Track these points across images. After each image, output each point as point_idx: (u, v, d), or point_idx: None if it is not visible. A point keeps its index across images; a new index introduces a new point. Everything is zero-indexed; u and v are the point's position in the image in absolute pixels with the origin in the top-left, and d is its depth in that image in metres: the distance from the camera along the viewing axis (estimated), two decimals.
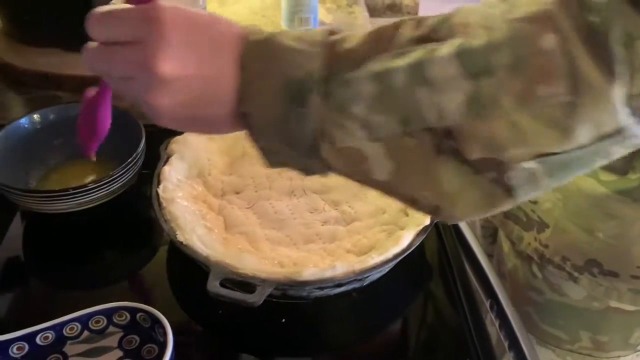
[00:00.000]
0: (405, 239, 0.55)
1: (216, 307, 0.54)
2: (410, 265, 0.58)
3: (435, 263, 0.64)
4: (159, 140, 0.66)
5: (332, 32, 0.40)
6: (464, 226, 0.67)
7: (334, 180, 0.67)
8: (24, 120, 0.68)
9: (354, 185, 0.68)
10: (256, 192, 0.65)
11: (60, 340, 0.51)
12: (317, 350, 0.57)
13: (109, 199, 0.63)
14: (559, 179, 0.37)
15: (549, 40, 0.33)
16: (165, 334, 0.48)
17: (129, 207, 0.68)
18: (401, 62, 0.36)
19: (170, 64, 0.37)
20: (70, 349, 0.51)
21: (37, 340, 0.50)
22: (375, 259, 0.53)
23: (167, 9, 0.38)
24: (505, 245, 0.76)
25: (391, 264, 0.54)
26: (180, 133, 0.67)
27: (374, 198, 0.64)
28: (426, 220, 0.57)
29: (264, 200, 0.64)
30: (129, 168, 0.63)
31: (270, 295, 0.51)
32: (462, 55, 0.35)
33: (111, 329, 0.52)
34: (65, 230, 0.66)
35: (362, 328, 0.58)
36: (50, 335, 0.50)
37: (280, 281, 0.51)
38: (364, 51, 0.38)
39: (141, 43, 0.38)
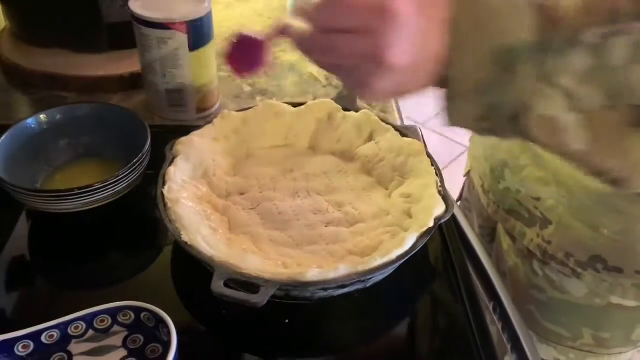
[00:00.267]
0: (408, 241, 0.55)
1: (220, 307, 0.54)
2: (413, 267, 0.58)
3: (439, 265, 0.65)
4: (164, 141, 0.67)
5: None
6: (467, 228, 0.68)
7: (337, 181, 0.67)
8: (30, 121, 0.69)
9: (358, 187, 0.68)
10: (260, 193, 0.66)
11: (65, 339, 0.51)
12: (320, 351, 0.57)
13: (114, 199, 0.63)
14: None
15: None
16: (169, 333, 0.49)
17: (134, 208, 0.68)
18: (623, 39, 0.36)
19: (399, 56, 0.39)
20: (75, 347, 0.51)
21: (43, 338, 0.50)
22: (378, 260, 0.53)
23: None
24: (505, 244, 0.77)
25: (394, 266, 0.55)
26: (186, 134, 0.67)
27: (377, 200, 0.64)
28: (430, 222, 0.57)
29: (268, 201, 0.64)
30: (135, 169, 0.64)
31: (273, 296, 0.51)
32: None
33: (116, 328, 0.52)
34: (70, 230, 0.66)
35: (365, 329, 0.58)
36: (56, 334, 0.50)
37: (283, 282, 0.51)
38: (580, 20, 0.37)
39: (372, 33, 0.38)
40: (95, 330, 0.52)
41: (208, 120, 0.70)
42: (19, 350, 0.49)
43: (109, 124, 0.71)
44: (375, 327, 0.59)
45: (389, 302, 0.60)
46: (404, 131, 0.69)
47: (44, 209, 0.62)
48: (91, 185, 0.60)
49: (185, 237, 0.55)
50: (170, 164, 0.63)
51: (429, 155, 0.65)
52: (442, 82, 0.41)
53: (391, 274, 0.57)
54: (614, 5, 0.38)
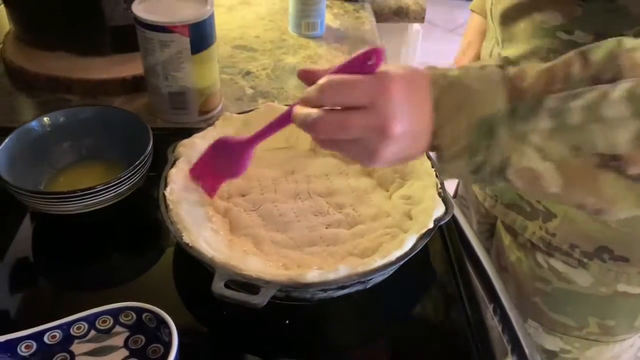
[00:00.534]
0: (408, 242, 0.55)
1: (221, 308, 0.54)
2: (413, 268, 0.58)
3: (439, 266, 0.65)
4: (166, 143, 0.67)
5: (502, 66, 0.47)
6: (467, 229, 0.68)
7: (338, 183, 0.67)
8: (34, 123, 0.69)
9: (359, 188, 0.69)
10: (262, 194, 0.66)
11: (68, 339, 0.51)
12: (320, 352, 0.57)
13: (116, 200, 0.64)
14: None
15: None
16: (170, 334, 0.49)
17: (136, 209, 0.69)
18: (577, 102, 0.43)
19: (399, 125, 0.45)
20: (77, 347, 0.52)
21: (45, 339, 0.50)
22: (378, 261, 0.54)
23: (389, 77, 0.45)
24: (506, 239, 0.77)
25: (394, 267, 0.55)
26: (187, 136, 0.68)
27: (378, 201, 0.65)
28: (429, 223, 0.57)
29: (269, 202, 0.65)
30: (137, 170, 0.64)
31: (274, 297, 0.51)
32: (632, 99, 0.42)
33: (117, 328, 0.53)
34: (73, 231, 0.67)
35: (365, 330, 0.59)
36: (58, 334, 0.51)
37: (283, 283, 0.52)
38: (541, 87, 0.45)
39: (372, 110, 0.45)
40: (97, 330, 0.52)
41: (210, 123, 0.71)
42: (22, 350, 0.50)
43: (111, 126, 0.71)
44: (375, 328, 0.59)
45: (389, 303, 0.60)
46: None
47: (47, 210, 0.62)
48: (93, 187, 0.61)
49: (186, 239, 0.55)
50: (172, 166, 0.64)
51: (429, 157, 0.65)
52: (433, 148, 0.48)
53: (391, 275, 0.58)
54: (567, 72, 0.45)
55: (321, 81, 0.46)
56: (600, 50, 0.45)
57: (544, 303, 0.75)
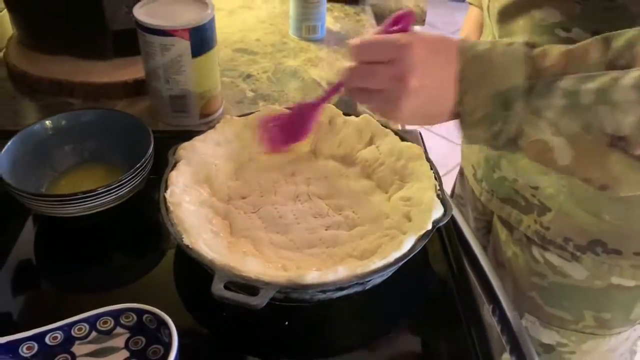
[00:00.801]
0: (406, 244, 0.56)
1: (220, 309, 0.55)
2: (412, 270, 0.58)
3: (438, 267, 0.65)
4: (167, 146, 0.67)
5: (531, 45, 0.50)
6: (465, 229, 0.68)
7: (338, 185, 0.68)
8: (36, 127, 0.70)
9: (358, 190, 0.69)
10: (262, 197, 0.66)
11: (69, 340, 0.52)
12: (319, 353, 0.58)
13: (117, 203, 0.64)
14: None
15: None
16: (170, 335, 0.49)
17: (137, 211, 0.69)
18: (590, 85, 0.47)
19: (417, 78, 0.50)
20: (78, 349, 0.52)
21: (47, 340, 0.51)
22: (377, 263, 0.54)
23: (414, 36, 0.51)
24: (503, 234, 0.78)
25: (393, 268, 0.55)
26: (188, 139, 0.68)
27: (377, 203, 0.65)
28: (428, 225, 0.58)
29: (269, 205, 0.65)
30: (138, 173, 0.65)
31: (273, 298, 0.51)
32: None
33: (118, 330, 0.53)
34: (75, 233, 0.67)
35: (364, 331, 0.59)
36: (59, 335, 0.51)
37: (283, 284, 0.52)
38: (560, 68, 0.49)
39: (396, 62, 0.50)
40: (98, 331, 0.53)
41: (211, 126, 0.71)
42: (24, 351, 0.50)
43: (113, 129, 0.72)
44: (374, 329, 0.59)
45: (388, 304, 0.60)
46: (404, 135, 0.70)
47: (48, 213, 0.63)
48: (95, 190, 0.61)
49: (186, 241, 0.56)
50: (172, 169, 0.64)
51: (429, 159, 0.66)
52: (456, 115, 0.52)
53: (390, 276, 0.58)
54: (586, 56, 0.48)
55: (356, 41, 0.53)
56: (622, 37, 0.48)
57: (540, 297, 0.75)
